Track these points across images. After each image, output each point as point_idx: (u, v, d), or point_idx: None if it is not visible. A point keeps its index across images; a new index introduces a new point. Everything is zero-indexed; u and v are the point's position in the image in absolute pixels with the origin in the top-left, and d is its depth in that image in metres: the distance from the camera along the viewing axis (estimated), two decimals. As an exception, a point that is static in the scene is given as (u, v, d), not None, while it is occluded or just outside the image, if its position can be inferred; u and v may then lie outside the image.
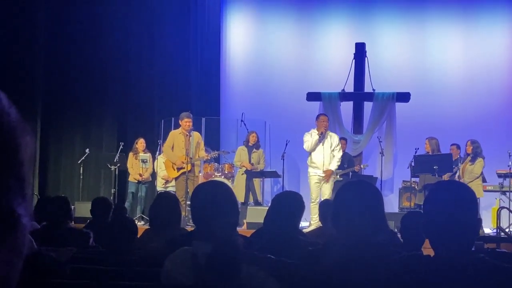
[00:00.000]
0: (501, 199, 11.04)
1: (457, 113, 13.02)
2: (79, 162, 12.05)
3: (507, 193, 11.13)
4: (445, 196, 2.32)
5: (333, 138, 10.03)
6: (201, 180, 10.53)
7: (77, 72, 12.90)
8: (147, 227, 5.88)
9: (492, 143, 11.53)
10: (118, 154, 11.73)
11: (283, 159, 10.80)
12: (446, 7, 13.52)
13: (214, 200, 2.69)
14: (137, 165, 11.61)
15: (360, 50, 12.01)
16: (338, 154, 10.05)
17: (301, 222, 4.50)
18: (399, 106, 12.00)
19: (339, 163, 10.16)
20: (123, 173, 12.03)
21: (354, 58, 11.95)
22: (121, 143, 12.00)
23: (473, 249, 2.41)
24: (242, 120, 11.95)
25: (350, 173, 11.08)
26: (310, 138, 9.91)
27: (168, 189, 10.78)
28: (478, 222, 2.28)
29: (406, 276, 2.26)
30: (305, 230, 6.62)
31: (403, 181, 12.03)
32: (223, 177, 11.48)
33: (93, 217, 6.22)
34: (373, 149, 12.10)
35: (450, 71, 13.43)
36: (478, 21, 13.45)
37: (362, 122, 11.93)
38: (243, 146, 11.55)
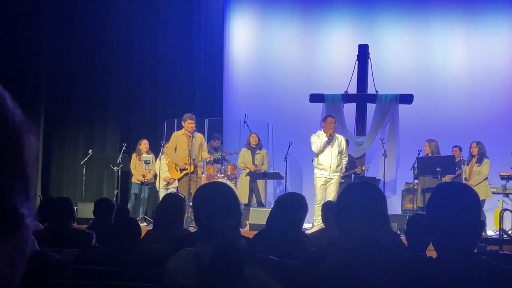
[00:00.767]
0: (504, 201, 11.02)
1: (460, 115, 13.01)
2: (82, 163, 12.06)
3: (510, 195, 11.12)
4: (448, 198, 2.31)
5: (341, 141, 10.06)
6: (203, 181, 10.53)
7: (80, 73, 12.91)
8: (150, 228, 5.89)
9: (495, 145, 11.50)
10: (121, 155, 11.74)
11: (286, 161, 10.81)
12: (449, 9, 13.50)
13: (215, 201, 2.69)
14: (140, 166, 11.62)
15: (363, 52, 11.99)
16: (345, 159, 10.14)
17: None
18: (402, 108, 11.98)
19: (344, 170, 10.26)
20: (126, 174, 12.04)
21: (357, 59, 11.93)
22: (124, 144, 12.01)
23: (475, 251, 2.41)
24: (245, 122, 11.95)
25: (353, 175, 11.08)
26: (318, 140, 9.92)
27: (169, 191, 10.78)
28: (481, 224, 2.28)
29: (409, 278, 2.25)
30: (307, 232, 6.62)
31: (406, 183, 12.02)
32: (226, 178, 11.48)
33: (96, 218, 6.23)
34: (376, 151, 12.08)
35: (453, 73, 13.41)
36: (481, 23, 13.43)
37: (365, 123, 11.91)
38: (245, 148, 11.55)
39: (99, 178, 12.89)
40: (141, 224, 9.66)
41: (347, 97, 11.94)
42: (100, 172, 12.79)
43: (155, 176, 11.67)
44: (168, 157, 10.62)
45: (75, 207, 7.32)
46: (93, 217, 6.34)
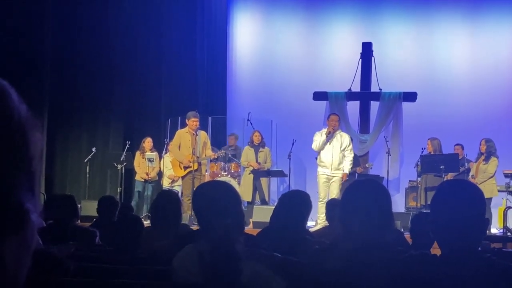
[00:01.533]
0: (507, 199, 10.99)
1: (464, 113, 12.99)
2: (85, 160, 12.07)
3: (514, 193, 11.10)
4: (452, 195, 2.31)
5: (343, 138, 10.07)
6: (207, 179, 10.55)
7: (84, 71, 12.92)
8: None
9: (499, 143, 11.45)
10: (124, 153, 11.75)
11: (290, 159, 10.80)
12: (453, 7, 13.48)
13: (214, 199, 2.70)
14: (144, 164, 11.63)
15: (366, 50, 11.97)
16: (350, 155, 10.11)
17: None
18: (406, 105, 11.96)
19: (351, 165, 10.21)
20: (130, 172, 12.05)
21: (361, 57, 11.91)
22: (128, 142, 12.02)
23: (479, 248, 2.40)
24: (248, 120, 11.94)
25: (356, 173, 11.06)
26: (319, 137, 9.97)
27: (174, 188, 10.80)
28: (485, 222, 2.27)
29: (413, 276, 2.25)
30: (311, 230, 6.61)
31: (410, 181, 12.02)
32: (229, 176, 11.49)
33: (100, 216, 6.24)
34: (379, 148, 12.06)
35: (457, 71, 13.39)
36: (485, 20, 13.41)
37: (369, 121, 11.89)
38: (248, 146, 11.55)
39: (102, 176, 12.90)
40: (144, 222, 9.66)
41: (350, 95, 11.92)
42: (103, 170, 12.80)
43: (159, 174, 11.68)
44: (172, 155, 10.64)
45: (79, 205, 7.32)
46: (97, 215, 6.35)
